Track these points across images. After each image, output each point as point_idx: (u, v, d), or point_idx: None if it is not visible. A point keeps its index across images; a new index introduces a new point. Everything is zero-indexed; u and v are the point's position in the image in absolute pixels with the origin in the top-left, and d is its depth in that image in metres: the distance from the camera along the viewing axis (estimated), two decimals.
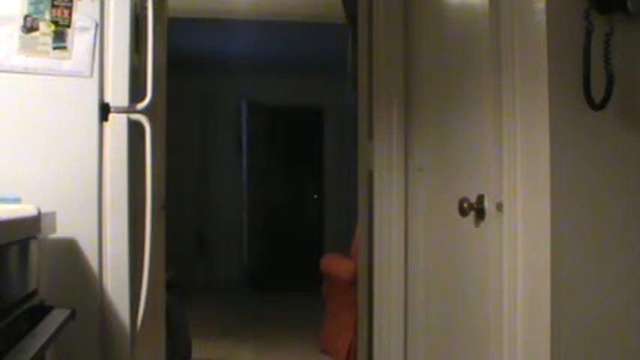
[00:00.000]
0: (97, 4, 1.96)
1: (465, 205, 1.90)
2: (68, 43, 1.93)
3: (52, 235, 1.81)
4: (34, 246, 1.59)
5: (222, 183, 7.62)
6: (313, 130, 7.92)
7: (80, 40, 1.94)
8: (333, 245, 6.72)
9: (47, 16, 1.92)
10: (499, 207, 1.73)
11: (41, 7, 1.92)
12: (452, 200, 2.01)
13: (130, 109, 2.00)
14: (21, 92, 1.93)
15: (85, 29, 1.94)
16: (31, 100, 1.94)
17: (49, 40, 1.92)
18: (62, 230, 1.86)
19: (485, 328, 1.84)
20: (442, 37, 2.34)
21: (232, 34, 5.93)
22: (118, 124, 1.98)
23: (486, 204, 1.84)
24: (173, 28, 3.28)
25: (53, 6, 1.93)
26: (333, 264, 4.55)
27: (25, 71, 1.92)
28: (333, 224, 7.64)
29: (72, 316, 1.65)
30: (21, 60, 1.92)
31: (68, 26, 1.94)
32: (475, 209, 1.89)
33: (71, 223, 1.91)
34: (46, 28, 1.92)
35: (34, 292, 1.60)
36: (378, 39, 2.83)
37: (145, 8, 2.09)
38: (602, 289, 1.56)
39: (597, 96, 1.51)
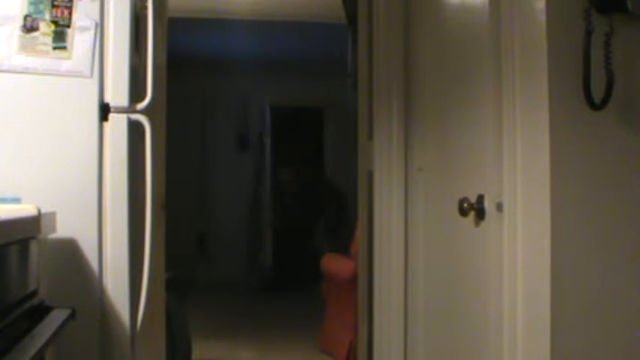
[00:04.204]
0: (97, 4, 1.96)
1: (465, 205, 1.90)
2: (68, 43, 1.93)
3: (52, 235, 1.81)
4: (34, 246, 1.59)
5: (222, 183, 7.62)
6: (313, 130, 7.91)
7: (80, 40, 1.94)
8: (333, 245, 6.71)
9: (47, 16, 1.92)
10: (499, 207, 1.73)
11: (41, 7, 1.92)
12: (452, 200, 2.01)
13: (130, 109, 2.00)
14: (21, 92, 1.93)
15: (85, 29, 1.94)
16: (31, 100, 1.93)
17: (49, 40, 1.92)
18: (62, 230, 1.85)
19: (485, 328, 1.84)
20: (442, 37, 2.34)
21: (232, 34, 5.92)
22: (118, 124, 1.98)
23: (486, 204, 1.84)
24: (173, 28, 3.28)
25: (53, 6, 1.93)
26: (333, 264, 4.54)
27: (25, 71, 1.92)
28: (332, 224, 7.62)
29: (72, 316, 1.65)
30: (21, 60, 1.91)
31: (68, 26, 1.93)
32: (475, 209, 1.89)
33: (71, 223, 1.90)
34: (46, 28, 1.92)
35: (34, 292, 1.60)
36: (378, 39, 2.83)
37: (145, 8, 2.09)
38: (602, 288, 1.56)
39: (597, 96, 1.51)
